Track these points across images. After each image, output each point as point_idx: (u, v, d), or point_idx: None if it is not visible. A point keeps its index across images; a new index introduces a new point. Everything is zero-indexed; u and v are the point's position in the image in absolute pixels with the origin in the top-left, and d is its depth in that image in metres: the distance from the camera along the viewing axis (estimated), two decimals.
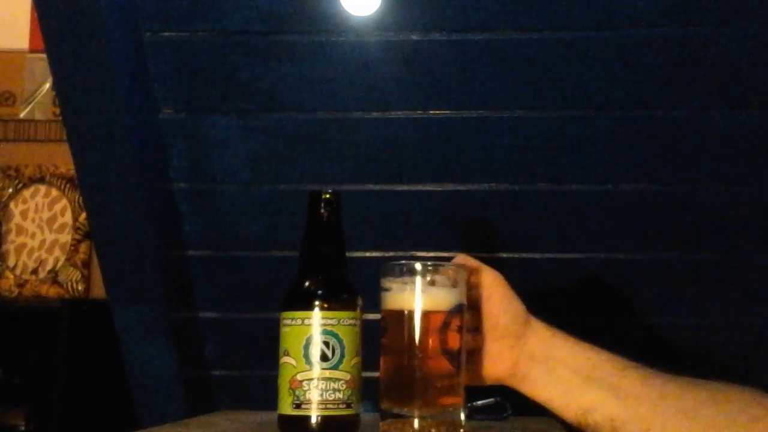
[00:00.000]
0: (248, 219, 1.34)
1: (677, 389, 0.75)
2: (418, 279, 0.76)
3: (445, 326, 0.76)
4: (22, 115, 2.45)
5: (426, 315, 0.76)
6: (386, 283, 0.78)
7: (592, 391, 0.75)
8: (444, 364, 0.76)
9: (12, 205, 2.39)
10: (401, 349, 0.76)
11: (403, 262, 0.77)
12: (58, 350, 1.88)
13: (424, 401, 0.76)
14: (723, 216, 1.28)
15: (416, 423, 0.74)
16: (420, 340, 0.76)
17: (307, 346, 0.80)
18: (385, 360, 0.78)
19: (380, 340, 0.78)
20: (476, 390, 0.83)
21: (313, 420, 0.79)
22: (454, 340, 0.76)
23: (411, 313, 0.76)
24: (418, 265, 0.77)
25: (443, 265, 0.77)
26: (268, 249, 1.35)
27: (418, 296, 0.76)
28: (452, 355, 0.76)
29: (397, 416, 0.76)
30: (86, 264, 2.32)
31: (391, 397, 0.77)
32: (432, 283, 0.77)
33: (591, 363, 0.77)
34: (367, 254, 1.30)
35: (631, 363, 0.76)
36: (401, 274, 0.77)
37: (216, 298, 1.38)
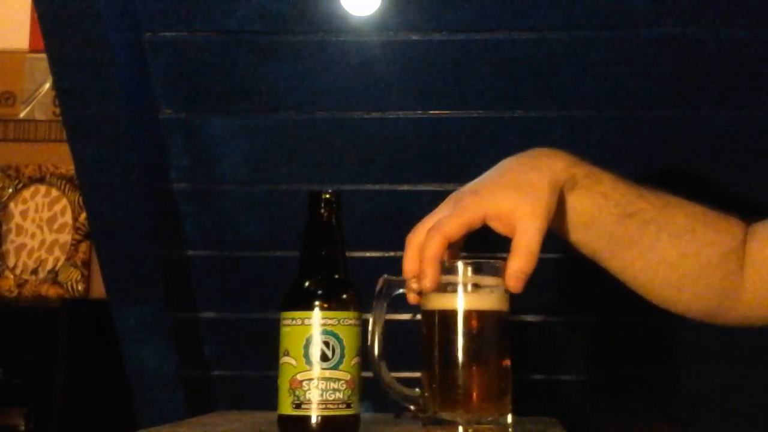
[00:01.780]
0: (248, 219, 1.34)
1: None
2: (483, 279, 0.73)
3: (504, 327, 0.75)
4: (22, 115, 2.45)
5: (487, 315, 0.74)
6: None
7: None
8: (500, 367, 0.75)
9: (12, 205, 2.39)
10: (454, 351, 0.74)
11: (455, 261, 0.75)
12: (58, 350, 1.88)
13: (479, 406, 0.74)
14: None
15: (468, 430, 0.72)
16: (482, 342, 0.74)
17: (307, 346, 0.80)
18: (432, 363, 0.75)
19: (425, 340, 0.76)
20: None
21: (313, 420, 0.79)
22: (508, 342, 0.75)
23: (471, 313, 0.74)
24: (473, 264, 0.74)
25: (496, 263, 0.75)
26: (268, 249, 1.35)
27: (483, 296, 0.74)
28: (506, 358, 0.75)
29: (447, 422, 0.73)
30: (86, 264, 2.32)
31: (442, 402, 0.73)
32: (491, 282, 0.74)
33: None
34: (367, 254, 1.30)
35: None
36: (454, 272, 0.74)
37: (216, 298, 1.38)
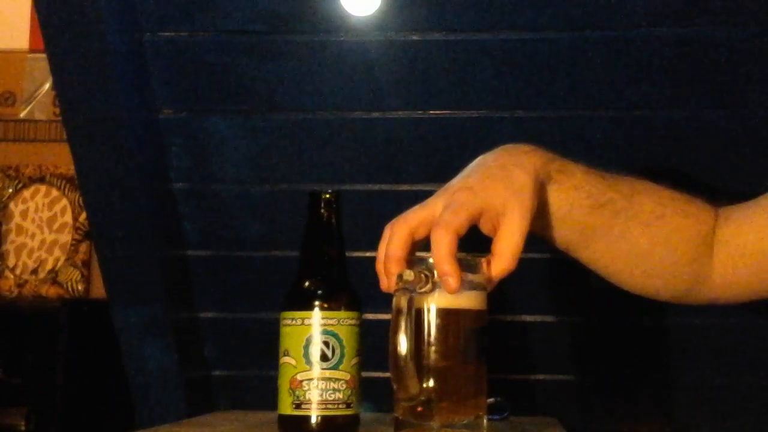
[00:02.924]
0: (248, 219, 1.34)
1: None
2: (465, 275, 0.70)
3: (480, 326, 0.73)
4: (22, 115, 2.45)
5: (463, 314, 0.72)
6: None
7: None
8: (476, 368, 0.73)
9: (12, 205, 2.39)
10: (428, 351, 0.71)
11: (424, 255, 0.72)
12: (58, 350, 1.88)
13: (454, 408, 0.72)
14: None
15: None
16: (456, 343, 0.72)
17: (307, 346, 0.80)
18: None
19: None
20: None
21: (313, 420, 0.79)
22: (485, 342, 0.73)
23: (446, 312, 0.71)
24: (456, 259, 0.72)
25: (473, 260, 0.73)
26: (268, 249, 1.35)
27: (459, 294, 0.70)
28: (484, 359, 0.73)
29: (421, 426, 0.71)
30: (86, 264, 2.32)
31: (415, 404, 0.71)
32: (471, 279, 0.71)
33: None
34: (367, 254, 1.29)
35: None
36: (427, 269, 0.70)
37: (216, 298, 1.38)
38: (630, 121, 1.26)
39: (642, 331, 1.34)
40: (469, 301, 0.72)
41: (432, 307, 0.71)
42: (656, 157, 1.27)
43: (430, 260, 0.69)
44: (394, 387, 0.69)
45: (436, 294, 0.71)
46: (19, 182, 2.40)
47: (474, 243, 1.17)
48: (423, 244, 0.73)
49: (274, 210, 1.33)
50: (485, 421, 0.73)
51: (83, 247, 2.33)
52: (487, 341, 0.73)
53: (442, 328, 0.72)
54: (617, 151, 1.27)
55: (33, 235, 2.36)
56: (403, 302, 0.68)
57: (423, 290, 0.71)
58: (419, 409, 0.71)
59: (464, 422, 0.72)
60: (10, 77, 2.46)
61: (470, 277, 0.71)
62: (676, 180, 1.13)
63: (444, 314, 0.72)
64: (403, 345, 0.68)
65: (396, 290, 0.69)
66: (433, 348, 0.71)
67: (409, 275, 0.69)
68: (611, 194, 0.78)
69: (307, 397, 0.79)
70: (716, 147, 1.25)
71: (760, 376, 1.33)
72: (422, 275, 0.70)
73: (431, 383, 0.71)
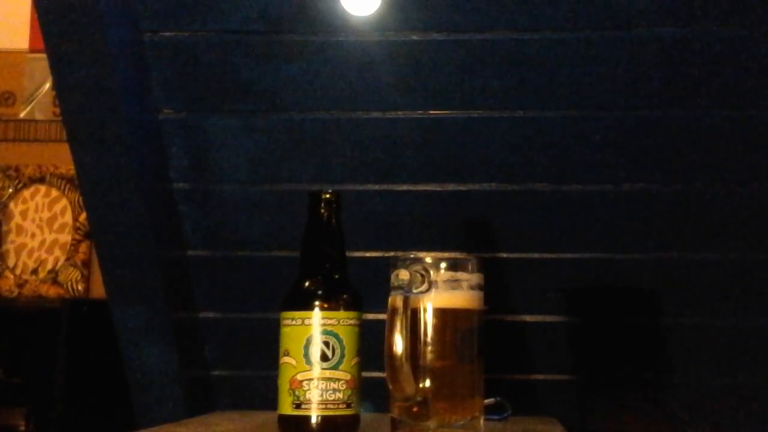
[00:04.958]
0: (248, 219, 1.34)
1: None
2: (457, 275, 0.70)
3: (477, 326, 0.73)
4: (22, 115, 2.45)
5: (460, 314, 0.72)
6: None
7: None
8: (472, 368, 0.72)
9: (12, 205, 2.39)
10: (424, 351, 0.71)
11: (420, 255, 0.72)
12: (58, 350, 1.88)
13: (450, 408, 0.72)
14: (724, 216, 1.28)
15: None
16: (453, 342, 0.72)
17: (307, 346, 0.80)
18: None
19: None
20: None
21: (313, 420, 0.79)
22: (482, 341, 0.73)
23: (443, 312, 0.71)
24: (448, 260, 0.71)
25: (472, 259, 0.72)
26: (268, 249, 1.35)
27: (456, 294, 0.71)
28: (481, 359, 0.73)
29: (417, 426, 0.71)
30: (86, 264, 2.32)
31: (412, 405, 0.71)
32: (468, 279, 0.72)
33: None
34: (367, 254, 1.30)
35: None
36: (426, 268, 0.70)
37: (216, 298, 1.38)
38: (630, 121, 1.26)
39: (642, 331, 1.34)
40: (466, 300, 0.72)
41: (428, 306, 0.71)
42: (656, 157, 1.27)
43: (427, 259, 0.69)
44: (390, 387, 0.69)
45: (432, 294, 0.71)
46: (19, 182, 2.40)
47: (474, 242, 1.17)
48: None
49: (274, 210, 1.33)
50: (482, 421, 0.73)
51: (83, 247, 2.33)
52: (484, 341, 0.73)
53: (438, 328, 0.72)
54: (618, 151, 1.27)
55: (33, 235, 2.37)
56: (399, 302, 0.68)
57: (419, 290, 0.70)
58: (415, 409, 0.71)
59: (461, 422, 0.71)
60: (10, 77, 2.46)
61: (467, 276, 0.71)
62: (677, 180, 1.13)
63: (440, 314, 0.71)
64: (398, 345, 0.68)
65: (392, 290, 0.69)
66: (429, 348, 0.71)
67: (405, 275, 0.69)
68: None
69: (307, 397, 0.79)
70: (717, 147, 1.25)
71: (760, 376, 1.33)
72: (418, 275, 0.70)
73: (427, 383, 0.71)
